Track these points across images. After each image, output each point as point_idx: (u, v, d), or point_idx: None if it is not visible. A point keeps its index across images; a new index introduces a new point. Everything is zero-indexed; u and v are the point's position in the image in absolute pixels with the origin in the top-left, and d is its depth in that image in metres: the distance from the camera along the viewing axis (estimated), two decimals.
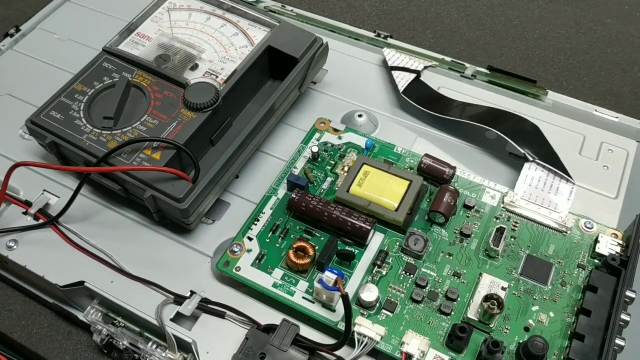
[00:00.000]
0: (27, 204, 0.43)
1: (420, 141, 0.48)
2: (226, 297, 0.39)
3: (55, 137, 0.42)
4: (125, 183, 0.41)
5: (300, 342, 0.36)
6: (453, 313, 0.37)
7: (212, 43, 0.47)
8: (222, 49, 0.47)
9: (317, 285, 0.36)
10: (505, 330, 0.36)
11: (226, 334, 0.37)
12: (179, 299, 0.38)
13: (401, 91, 0.50)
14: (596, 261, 0.39)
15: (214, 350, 0.37)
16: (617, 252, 0.38)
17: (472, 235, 0.40)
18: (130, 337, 0.39)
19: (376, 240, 0.40)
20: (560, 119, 0.49)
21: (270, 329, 0.36)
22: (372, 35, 0.56)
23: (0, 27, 0.59)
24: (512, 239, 0.40)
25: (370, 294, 0.36)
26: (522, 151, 0.44)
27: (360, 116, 0.49)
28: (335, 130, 0.46)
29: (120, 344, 0.38)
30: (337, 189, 0.42)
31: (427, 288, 0.38)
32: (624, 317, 0.34)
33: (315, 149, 0.44)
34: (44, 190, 0.44)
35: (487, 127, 0.46)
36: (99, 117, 0.42)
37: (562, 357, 0.35)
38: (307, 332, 0.37)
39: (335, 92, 0.52)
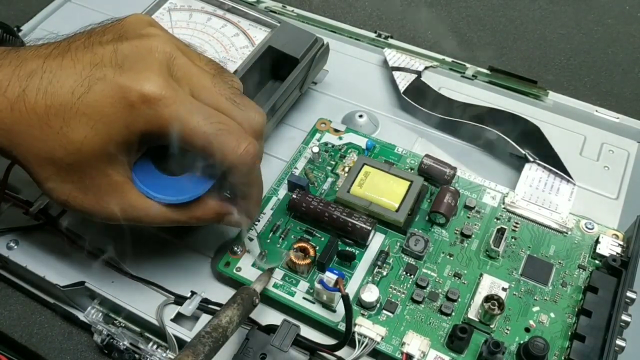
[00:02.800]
0: (27, 204, 0.43)
1: (420, 141, 0.48)
2: (226, 297, 0.39)
3: None
4: None
5: (300, 342, 0.36)
6: (453, 313, 0.37)
7: (213, 43, 0.47)
8: (222, 49, 0.47)
9: (317, 285, 0.36)
10: (506, 331, 0.36)
11: None
12: (179, 299, 0.39)
13: (402, 91, 0.50)
14: (596, 262, 0.39)
15: None
16: (617, 253, 0.38)
17: (473, 236, 0.40)
18: (130, 337, 0.39)
19: (376, 241, 0.40)
20: (560, 120, 0.49)
21: (270, 329, 0.36)
22: (372, 35, 0.56)
23: None
24: (513, 240, 0.40)
25: (371, 294, 0.36)
26: (523, 151, 0.44)
27: (360, 116, 0.49)
28: (336, 131, 0.46)
29: (121, 344, 0.38)
30: (337, 189, 0.42)
31: (428, 288, 0.38)
32: (624, 317, 0.34)
33: (316, 149, 0.44)
34: None
35: (488, 128, 0.46)
36: None
37: (563, 358, 0.35)
38: (308, 332, 0.37)
39: (336, 92, 0.52)
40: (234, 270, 0.39)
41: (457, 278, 0.38)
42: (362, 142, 0.46)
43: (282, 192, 0.43)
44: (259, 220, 0.41)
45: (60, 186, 0.31)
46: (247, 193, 0.35)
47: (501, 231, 0.39)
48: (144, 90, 0.29)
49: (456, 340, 0.34)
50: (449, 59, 0.54)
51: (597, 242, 0.39)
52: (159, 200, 0.33)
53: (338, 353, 0.35)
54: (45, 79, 0.30)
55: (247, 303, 0.34)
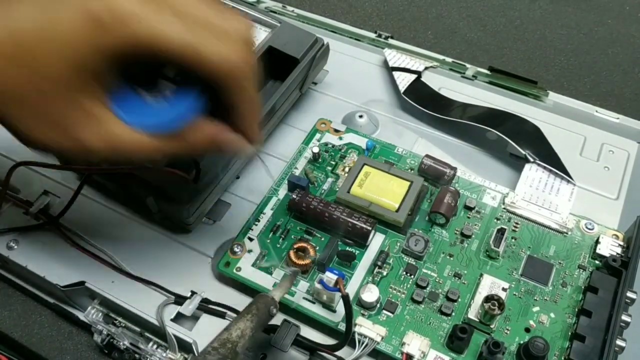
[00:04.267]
0: (28, 204, 0.43)
1: (420, 142, 0.48)
2: (226, 297, 0.39)
3: None
4: (126, 183, 0.40)
5: (300, 342, 0.36)
6: (453, 313, 0.37)
7: None
8: None
9: (317, 285, 0.36)
10: (506, 331, 0.36)
11: None
12: (180, 299, 0.38)
13: (402, 92, 0.50)
14: (597, 262, 0.39)
15: None
16: (617, 253, 0.38)
17: (473, 236, 0.40)
18: (130, 337, 0.39)
19: (376, 241, 0.40)
20: (560, 120, 0.49)
21: (270, 329, 0.36)
22: (372, 35, 0.56)
23: None
24: (513, 240, 0.40)
25: (371, 294, 0.36)
26: (523, 152, 0.44)
27: (360, 116, 0.49)
28: (336, 131, 0.46)
29: (121, 344, 0.38)
30: (337, 189, 0.42)
31: (428, 288, 0.38)
32: (624, 317, 0.34)
33: (316, 150, 0.44)
34: (45, 190, 0.44)
35: (488, 128, 0.46)
36: None
37: (563, 358, 0.35)
38: (308, 333, 0.37)
39: (336, 92, 0.52)
40: (234, 270, 0.39)
41: (457, 278, 0.38)
42: (362, 142, 0.46)
43: (282, 192, 0.43)
44: (258, 220, 0.41)
45: (33, 125, 0.29)
46: (242, 110, 0.31)
47: (501, 231, 0.39)
48: (113, 6, 0.26)
49: (456, 340, 0.34)
50: (449, 59, 0.54)
51: (597, 242, 0.39)
52: (142, 126, 0.29)
53: (338, 353, 0.35)
54: (2, 13, 0.26)
55: (262, 313, 0.32)
